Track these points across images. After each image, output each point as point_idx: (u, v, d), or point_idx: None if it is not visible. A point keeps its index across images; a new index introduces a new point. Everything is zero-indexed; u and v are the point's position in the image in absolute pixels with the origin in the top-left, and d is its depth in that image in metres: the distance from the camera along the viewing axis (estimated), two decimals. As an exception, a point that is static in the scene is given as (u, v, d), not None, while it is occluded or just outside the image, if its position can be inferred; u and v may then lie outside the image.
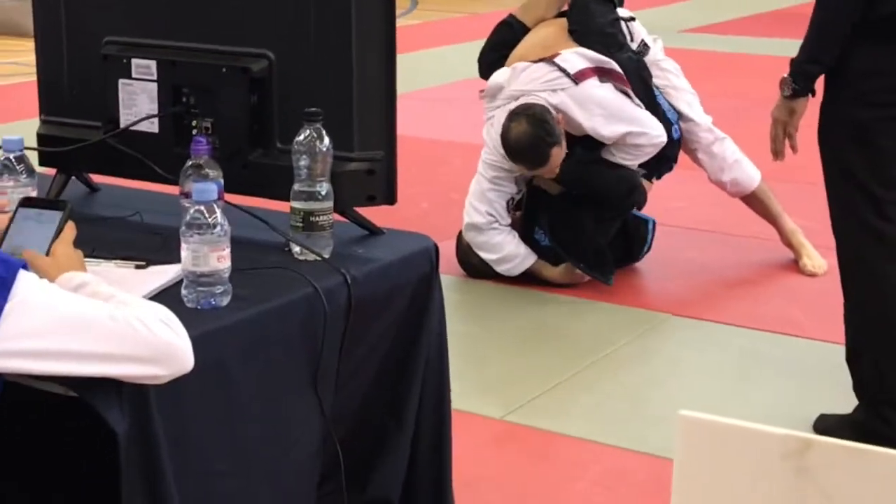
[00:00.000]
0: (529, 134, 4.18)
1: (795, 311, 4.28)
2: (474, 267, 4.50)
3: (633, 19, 4.68)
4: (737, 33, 10.63)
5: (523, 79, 4.35)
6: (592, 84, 4.30)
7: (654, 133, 4.36)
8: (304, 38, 2.38)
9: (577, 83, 4.27)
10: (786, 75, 3.15)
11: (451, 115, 7.05)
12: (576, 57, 4.34)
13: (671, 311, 4.28)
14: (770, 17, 11.72)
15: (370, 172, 2.41)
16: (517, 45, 4.56)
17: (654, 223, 4.59)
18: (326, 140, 2.26)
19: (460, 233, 4.53)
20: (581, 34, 4.46)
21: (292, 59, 2.40)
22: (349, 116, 2.38)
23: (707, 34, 10.58)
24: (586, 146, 4.39)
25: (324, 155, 2.27)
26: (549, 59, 4.34)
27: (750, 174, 4.74)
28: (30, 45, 10.12)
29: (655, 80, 4.57)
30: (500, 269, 4.44)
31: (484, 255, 4.46)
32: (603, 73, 4.33)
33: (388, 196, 2.45)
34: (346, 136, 2.36)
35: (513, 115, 4.23)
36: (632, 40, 4.59)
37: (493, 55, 4.59)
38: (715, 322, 4.19)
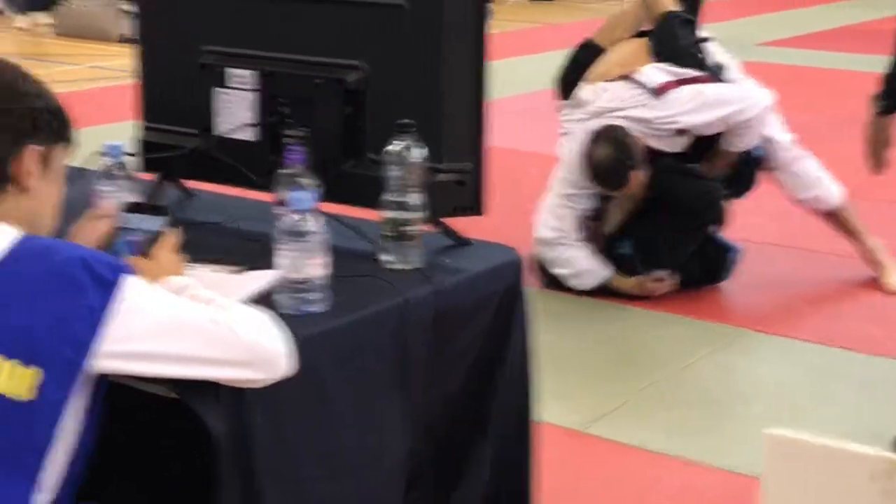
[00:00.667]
0: (611, 158, 4.22)
1: (875, 328, 4.25)
2: (549, 277, 4.53)
3: (708, 39, 4.68)
4: (816, 47, 10.54)
5: (605, 98, 4.37)
6: (673, 91, 4.31)
7: (753, 101, 4.36)
8: (398, 51, 2.42)
9: (657, 96, 4.29)
10: (876, 92, 3.16)
11: (527, 126, 7.07)
12: (655, 71, 4.36)
13: (749, 325, 4.27)
14: (850, 32, 11.61)
15: (460, 184, 2.45)
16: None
17: (737, 251, 4.58)
18: (418, 151, 2.30)
19: None
20: (665, 57, 4.46)
21: (385, 70, 2.44)
22: (439, 128, 2.41)
23: (785, 48, 10.50)
24: (678, 158, 4.41)
25: (415, 166, 2.31)
26: (629, 76, 4.35)
27: (831, 191, 4.71)
28: (113, 49, 10.32)
29: None
30: (571, 283, 4.46)
31: (555, 270, 4.48)
32: (684, 83, 4.34)
33: (477, 207, 2.49)
34: (436, 148, 2.39)
35: (594, 139, 4.27)
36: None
37: (572, 76, 4.62)
38: (793, 338, 4.17)
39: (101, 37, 10.21)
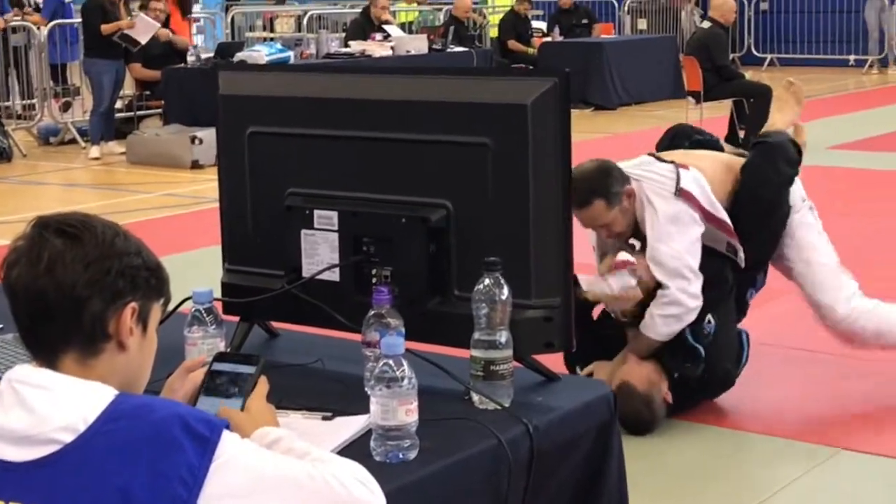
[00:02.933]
0: (586, 173, 4.13)
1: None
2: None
3: None
4: (890, 149, 10.45)
5: (644, 166, 4.31)
6: (685, 208, 4.18)
7: (688, 310, 4.15)
8: (482, 188, 2.42)
9: (676, 196, 4.18)
10: None
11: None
12: (696, 185, 4.23)
13: (839, 444, 4.15)
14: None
15: (547, 319, 2.42)
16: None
17: (747, 335, 4.45)
18: (506, 289, 2.28)
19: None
20: (749, 190, 4.37)
21: (470, 208, 2.44)
22: (526, 264, 2.40)
23: (857, 151, 10.43)
24: None
25: (503, 304, 2.29)
26: (678, 164, 4.27)
27: None
28: (185, 175, 10.48)
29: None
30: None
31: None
32: (709, 218, 4.21)
33: (565, 342, 2.46)
34: (523, 284, 2.38)
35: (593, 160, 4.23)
36: None
37: (669, 141, 4.68)
38: (889, 457, 4.05)
39: (173, 164, 10.39)
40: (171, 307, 2.58)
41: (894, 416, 4.39)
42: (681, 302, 4.13)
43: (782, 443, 4.19)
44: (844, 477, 3.96)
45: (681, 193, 4.17)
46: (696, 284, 4.14)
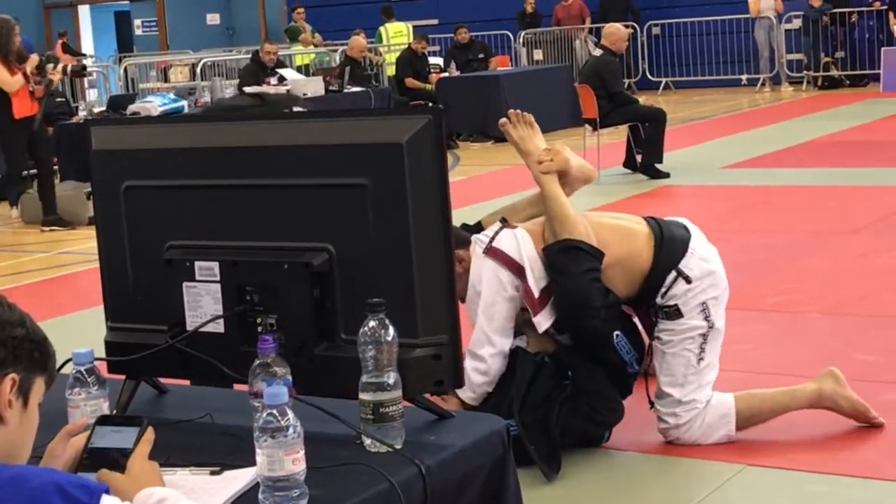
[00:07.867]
0: None
1: (873, 453, 4.18)
2: None
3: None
4: (781, 165, 10.67)
5: (484, 232, 4.26)
6: (494, 266, 4.11)
7: (480, 372, 4.09)
8: (362, 229, 2.41)
9: (484, 254, 4.13)
10: None
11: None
12: (513, 242, 4.14)
13: (745, 461, 4.18)
14: (813, 147, 11.79)
15: (436, 357, 2.41)
16: None
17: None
18: (391, 330, 2.27)
19: None
20: (552, 262, 4.17)
21: (352, 250, 2.42)
22: (412, 304, 2.39)
23: (751, 168, 10.62)
24: None
25: (389, 345, 2.27)
26: (506, 224, 4.23)
27: (724, 424, 4.30)
28: (83, 233, 10.20)
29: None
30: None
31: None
32: (520, 274, 4.11)
33: (456, 380, 2.45)
34: (409, 324, 2.37)
35: None
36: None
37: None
38: (792, 470, 4.10)
39: (72, 220, 10.20)
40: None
41: (792, 430, 4.43)
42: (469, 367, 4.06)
43: (686, 461, 4.21)
44: (752, 492, 3.99)
45: (488, 251, 4.12)
46: (486, 349, 4.10)
